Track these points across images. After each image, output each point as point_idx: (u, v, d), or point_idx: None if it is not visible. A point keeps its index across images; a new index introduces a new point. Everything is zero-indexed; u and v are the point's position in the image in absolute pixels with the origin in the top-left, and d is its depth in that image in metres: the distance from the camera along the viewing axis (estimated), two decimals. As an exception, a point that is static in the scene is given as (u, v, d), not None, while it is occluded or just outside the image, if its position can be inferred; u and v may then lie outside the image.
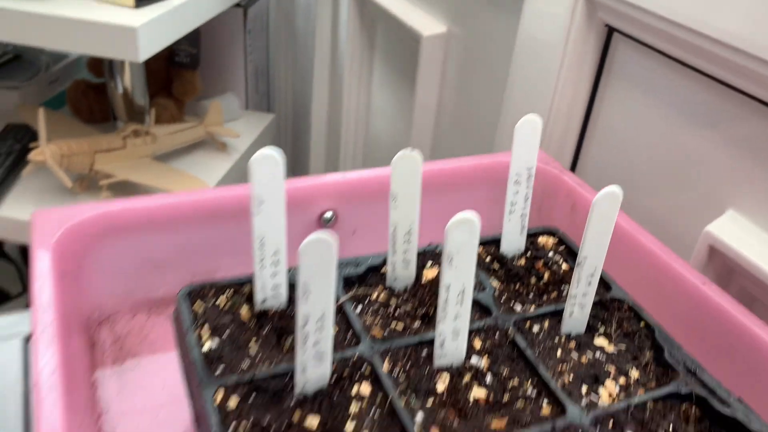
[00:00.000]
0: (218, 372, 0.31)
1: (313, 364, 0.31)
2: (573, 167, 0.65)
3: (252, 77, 1.41)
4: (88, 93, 1.23)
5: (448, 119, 0.85)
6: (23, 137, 1.13)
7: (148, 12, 0.86)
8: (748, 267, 0.47)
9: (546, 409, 0.32)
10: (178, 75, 1.25)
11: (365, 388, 0.32)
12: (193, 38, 1.27)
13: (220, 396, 0.30)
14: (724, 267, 0.50)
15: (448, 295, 0.32)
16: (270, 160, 0.32)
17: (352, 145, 1.14)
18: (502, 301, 0.39)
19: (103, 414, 0.38)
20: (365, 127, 1.15)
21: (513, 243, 0.42)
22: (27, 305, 1.23)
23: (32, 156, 0.95)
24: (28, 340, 0.45)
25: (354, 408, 0.31)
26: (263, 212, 0.33)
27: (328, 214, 0.51)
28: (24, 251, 1.34)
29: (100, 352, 0.43)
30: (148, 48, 0.86)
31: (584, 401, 0.32)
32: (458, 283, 0.32)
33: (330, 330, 0.30)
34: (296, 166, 1.49)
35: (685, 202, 0.54)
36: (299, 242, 0.43)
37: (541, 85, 0.62)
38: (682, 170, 0.54)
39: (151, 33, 0.85)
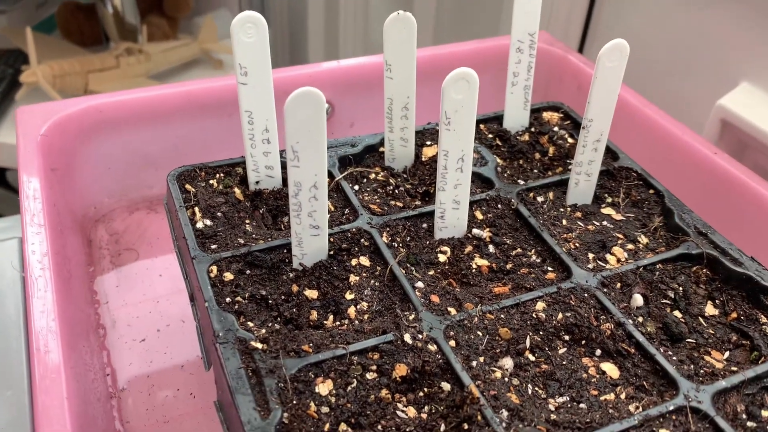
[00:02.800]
0: (212, 248, 0.31)
1: (309, 236, 0.30)
2: (580, 50, 0.63)
3: (245, -9, 1.36)
4: (77, 15, 1.19)
5: (450, 5, 0.81)
6: (15, 62, 1.10)
7: None
8: (763, 139, 0.45)
9: (551, 274, 0.31)
10: (168, -10, 1.20)
11: (364, 261, 0.31)
12: (181, -50, 1.22)
13: (215, 270, 0.29)
14: (737, 141, 0.48)
15: (447, 162, 0.31)
16: (253, 22, 0.30)
17: (352, 55, 1.11)
18: (505, 176, 0.37)
19: (102, 305, 0.38)
20: (363, 36, 1.11)
21: (516, 118, 0.40)
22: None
23: (24, 77, 0.93)
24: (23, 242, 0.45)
25: (353, 278, 0.30)
26: (249, 83, 0.32)
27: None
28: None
29: (97, 248, 0.42)
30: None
31: (591, 265, 0.31)
32: (457, 148, 0.30)
33: (325, 199, 0.29)
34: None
35: (698, 77, 0.52)
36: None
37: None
38: (694, 44, 0.51)
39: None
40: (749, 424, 0.25)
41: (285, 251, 0.31)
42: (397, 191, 0.36)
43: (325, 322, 0.29)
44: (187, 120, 0.44)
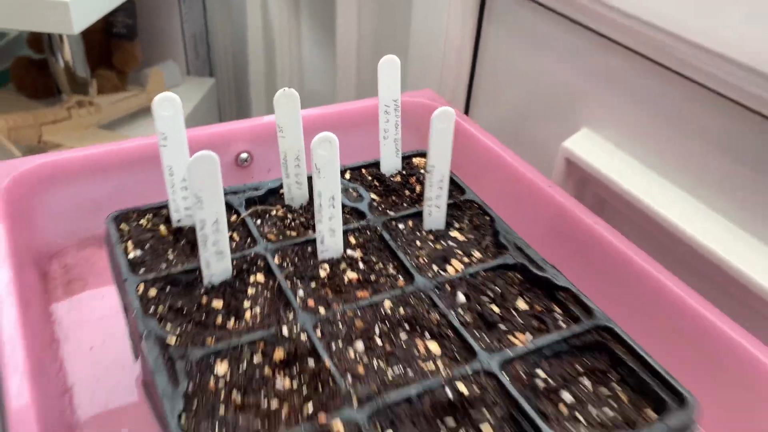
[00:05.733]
0: (140, 272, 0.40)
1: (215, 260, 0.39)
2: (467, 106, 0.74)
3: (190, 43, 1.46)
4: (30, 69, 1.27)
5: (368, 61, 0.93)
6: (-29, 115, 1.17)
7: (78, -14, 0.91)
8: (598, 176, 0.57)
9: (401, 281, 0.41)
10: (117, 46, 1.29)
11: (260, 277, 0.41)
12: (129, 9, 1.32)
13: (141, 288, 0.39)
14: (579, 177, 0.60)
15: (321, 201, 0.41)
16: (169, 100, 0.40)
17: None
18: (380, 210, 0.48)
19: (56, 323, 0.47)
20: (300, 84, 1.22)
21: (390, 164, 0.51)
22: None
23: (-19, 131, 1.01)
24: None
25: (251, 291, 0.40)
26: (168, 145, 0.41)
27: (244, 155, 0.59)
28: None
29: (51, 279, 0.51)
30: (81, 20, 0.92)
31: (431, 274, 0.42)
32: (327, 191, 0.41)
33: (225, 231, 0.39)
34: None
35: (549, 124, 0.63)
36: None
37: (434, 28, 0.70)
38: (547, 97, 0.63)
39: (83, 5, 0.90)
40: (527, 381, 0.35)
41: (197, 273, 0.40)
42: (293, 224, 0.46)
43: (227, 324, 0.38)
44: (125, 171, 0.54)
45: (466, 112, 0.74)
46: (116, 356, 0.45)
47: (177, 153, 0.42)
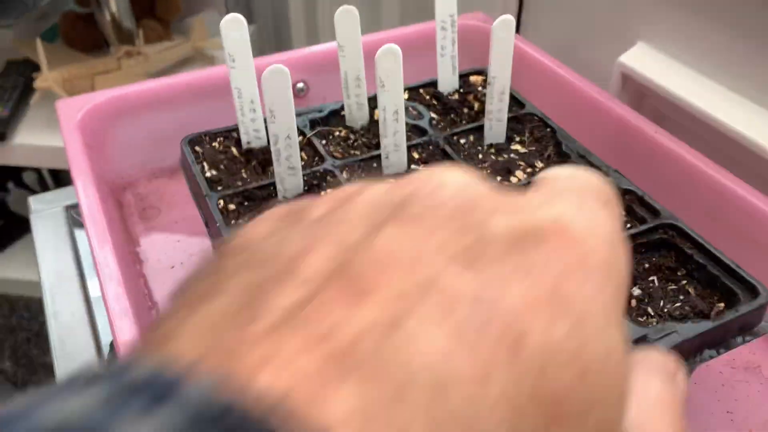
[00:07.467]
0: (218, 189, 0.42)
1: (288, 175, 0.41)
2: (518, 29, 0.74)
3: (230, -9, 1.45)
4: (77, 23, 1.30)
5: None
6: (25, 71, 1.21)
7: (122, -68, 0.92)
8: (656, 89, 0.56)
9: (467, 191, 0.42)
10: (159, -5, 1.30)
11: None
12: (169, -42, 1.32)
13: (221, 203, 0.41)
14: (635, 91, 0.59)
15: (386, 115, 0.42)
16: (236, 20, 0.41)
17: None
18: (439, 128, 0.49)
19: (137, 245, 0.49)
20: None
21: (447, 82, 0.51)
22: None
23: (38, 83, 1.04)
24: (68, 208, 0.56)
25: (322, 204, 0.41)
26: (236, 66, 0.43)
27: (300, 85, 0.60)
28: (42, 181, 1.45)
29: (126, 207, 0.53)
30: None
31: (495, 182, 0.43)
32: (392, 104, 0.41)
33: (296, 146, 0.40)
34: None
35: (602, 39, 0.63)
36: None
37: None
38: (600, 12, 0.62)
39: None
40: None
41: (272, 188, 0.42)
42: (356, 144, 0.47)
43: (303, 234, 0.40)
44: (190, 102, 0.55)
45: (517, 34, 0.73)
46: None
47: (245, 75, 0.43)
